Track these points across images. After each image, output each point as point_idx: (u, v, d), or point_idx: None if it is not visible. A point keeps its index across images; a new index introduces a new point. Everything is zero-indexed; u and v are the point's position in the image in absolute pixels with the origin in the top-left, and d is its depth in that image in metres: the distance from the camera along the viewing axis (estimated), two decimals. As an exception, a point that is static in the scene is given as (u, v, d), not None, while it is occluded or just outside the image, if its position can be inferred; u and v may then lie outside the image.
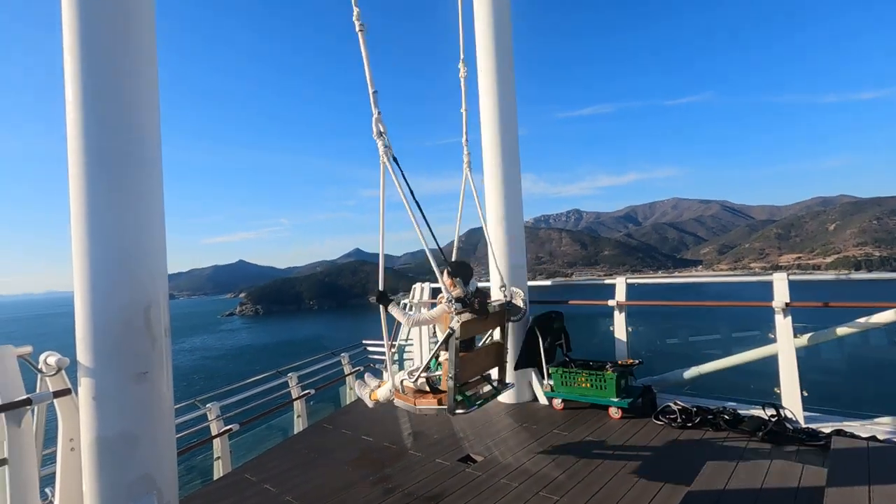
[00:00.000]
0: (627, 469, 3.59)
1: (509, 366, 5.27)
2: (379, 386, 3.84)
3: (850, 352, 4.58)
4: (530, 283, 5.77)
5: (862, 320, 4.13)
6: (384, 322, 3.32)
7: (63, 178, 2.61)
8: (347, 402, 6.39)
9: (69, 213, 2.59)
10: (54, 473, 2.88)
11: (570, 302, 5.87)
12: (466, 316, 3.09)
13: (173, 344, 2.85)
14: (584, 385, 4.85)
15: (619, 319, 5.35)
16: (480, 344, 3.75)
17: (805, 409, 4.17)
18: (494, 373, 3.79)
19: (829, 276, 5.08)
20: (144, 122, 2.69)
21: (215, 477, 4.53)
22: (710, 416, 4.29)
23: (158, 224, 2.73)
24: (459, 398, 3.19)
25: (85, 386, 2.56)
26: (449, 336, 3.07)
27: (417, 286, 7.19)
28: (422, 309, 4.57)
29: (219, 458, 4.72)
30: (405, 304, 4.78)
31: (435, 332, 4.64)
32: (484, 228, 4.74)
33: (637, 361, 5.02)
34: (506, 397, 5.39)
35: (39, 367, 2.83)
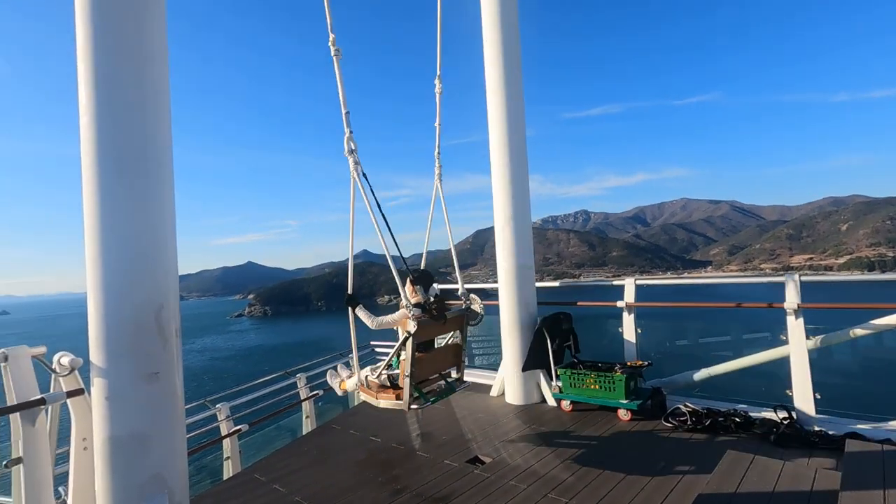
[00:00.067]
0: (637, 472, 3.56)
1: (517, 367, 5.28)
2: (349, 377, 4.14)
3: (863, 354, 4.52)
4: (538, 284, 5.75)
5: (876, 322, 4.07)
6: (352, 322, 3.68)
7: (77, 180, 2.66)
8: (355, 403, 6.41)
9: (82, 214, 2.63)
10: (67, 472, 2.92)
11: (579, 303, 5.84)
12: (424, 320, 3.42)
13: (183, 345, 2.88)
14: (592, 387, 4.83)
15: (628, 321, 5.31)
16: (444, 343, 4.07)
17: (818, 412, 4.12)
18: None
19: (841, 277, 5.01)
20: (156, 124, 2.72)
21: (225, 477, 4.56)
22: (720, 419, 4.25)
23: (170, 225, 2.76)
24: (416, 395, 3.53)
25: (98, 386, 2.59)
26: (407, 338, 3.38)
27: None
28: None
29: (228, 458, 4.75)
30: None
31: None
32: (448, 234, 4.72)
33: (646, 363, 4.99)
34: (514, 399, 5.38)
35: (53, 367, 2.87)
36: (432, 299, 3.61)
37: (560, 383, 5.06)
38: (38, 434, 2.72)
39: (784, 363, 4.34)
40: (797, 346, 4.23)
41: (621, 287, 5.44)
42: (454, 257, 4.52)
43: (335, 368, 4.51)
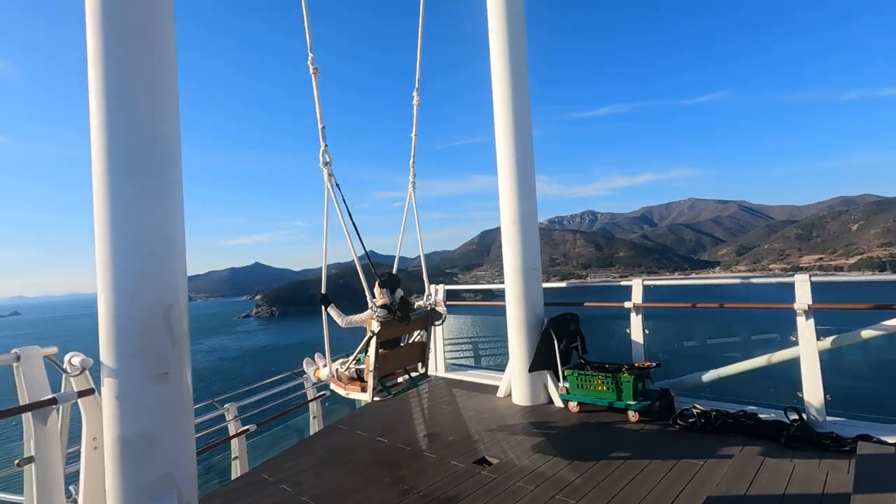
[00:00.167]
0: (645, 474, 3.54)
1: (524, 367, 5.26)
2: (324, 366, 4.41)
3: (874, 355, 4.47)
4: (545, 284, 5.74)
5: (887, 323, 4.02)
6: (325, 319, 4.00)
7: (87, 181, 2.68)
8: (362, 404, 6.42)
9: (93, 216, 2.66)
10: (78, 471, 2.95)
11: (586, 304, 5.82)
12: (388, 320, 3.76)
13: (191, 345, 2.90)
14: (600, 388, 4.80)
15: (636, 321, 5.29)
16: (410, 340, 4.36)
17: (829, 414, 4.07)
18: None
19: (852, 277, 4.95)
20: (165, 126, 2.74)
21: (233, 477, 4.58)
22: (730, 420, 4.21)
23: (179, 226, 2.78)
24: (380, 388, 3.87)
25: (108, 386, 2.61)
26: (370, 337, 3.70)
27: (432, 287, 7.19)
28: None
29: (236, 458, 4.78)
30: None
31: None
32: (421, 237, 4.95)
33: (654, 364, 4.96)
34: (521, 400, 5.37)
35: (64, 367, 2.90)
36: (398, 301, 3.95)
37: (567, 384, 5.04)
38: (49, 433, 2.75)
39: (794, 364, 4.30)
40: (808, 348, 4.19)
41: (629, 288, 5.41)
42: (423, 263, 4.82)
43: (312, 357, 4.75)
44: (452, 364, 7.06)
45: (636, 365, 4.97)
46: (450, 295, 7.17)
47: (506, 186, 5.53)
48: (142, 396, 2.61)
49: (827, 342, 4.18)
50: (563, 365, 5.09)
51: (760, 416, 4.26)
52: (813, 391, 4.14)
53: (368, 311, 3.83)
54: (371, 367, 3.73)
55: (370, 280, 3.83)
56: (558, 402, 5.19)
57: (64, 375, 2.91)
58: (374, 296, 3.92)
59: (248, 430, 4.88)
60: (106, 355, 2.60)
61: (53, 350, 2.92)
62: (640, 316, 5.28)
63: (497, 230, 5.87)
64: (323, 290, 3.95)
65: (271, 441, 5.43)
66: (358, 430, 4.96)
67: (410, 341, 4.36)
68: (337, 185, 3.74)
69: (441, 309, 4.35)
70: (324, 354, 4.32)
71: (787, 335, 4.41)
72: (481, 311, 7.88)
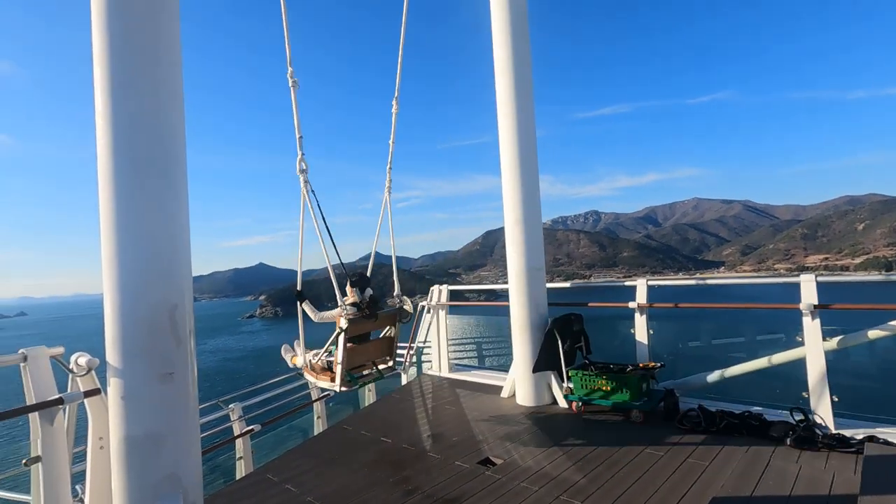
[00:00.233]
0: (649, 474, 3.53)
1: (528, 368, 5.26)
2: (302, 354, 4.68)
3: (881, 355, 4.43)
4: (549, 284, 5.73)
5: (894, 323, 3.99)
6: (300, 313, 4.28)
7: (92, 182, 2.70)
8: (366, 404, 6.43)
9: (98, 216, 2.67)
10: (84, 471, 2.96)
11: (590, 304, 5.81)
12: (356, 318, 4.06)
13: (196, 345, 2.91)
14: (604, 388, 4.79)
15: (640, 322, 5.27)
16: (382, 335, 4.65)
17: (835, 415, 4.05)
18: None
19: (858, 277, 4.92)
20: (170, 127, 2.76)
21: (238, 477, 4.60)
22: (735, 421, 4.19)
23: (184, 227, 2.79)
24: (348, 379, 4.13)
25: (113, 386, 2.62)
26: (339, 333, 3.99)
27: (435, 288, 7.21)
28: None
29: (241, 458, 4.79)
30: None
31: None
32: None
33: (659, 364, 4.94)
34: (525, 400, 5.36)
35: (71, 367, 2.92)
36: (367, 300, 4.20)
37: (571, 384, 5.03)
38: (56, 433, 2.76)
39: (800, 365, 4.27)
40: (813, 348, 4.16)
41: (633, 288, 5.40)
42: (394, 264, 5.03)
43: (291, 345, 4.99)
44: (456, 364, 7.06)
45: (640, 365, 4.95)
46: (453, 295, 7.18)
47: (509, 186, 5.53)
48: (147, 396, 2.62)
49: (833, 342, 4.15)
50: (567, 365, 5.08)
51: (766, 416, 4.24)
52: (819, 392, 4.11)
53: (338, 309, 4.05)
54: (339, 360, 4.02)
55: (341, 281, 4.14)
56: (562, 403, 5.18)
57: (70, 375, 2.93)
58: (344, 294, 4.18)
59: (252, 430, 4.89)
60: (112, 355, 2.62)
61: (60, 350, 2.93)
62: (644, 316, 5.27)
63: (501, 230, 5.87)
64: (298, 288, 4.26)
65: (276, 441, 5.44)
66: (362, 431, 4.97)
67: (381, 336, 4.63)
68: (312, 191, 3.99)
69: (408, 307, 4.57)
70: (300, 347, 4.61)
71: (792, 335, 4.39)
72: (485, 312, 7.88)
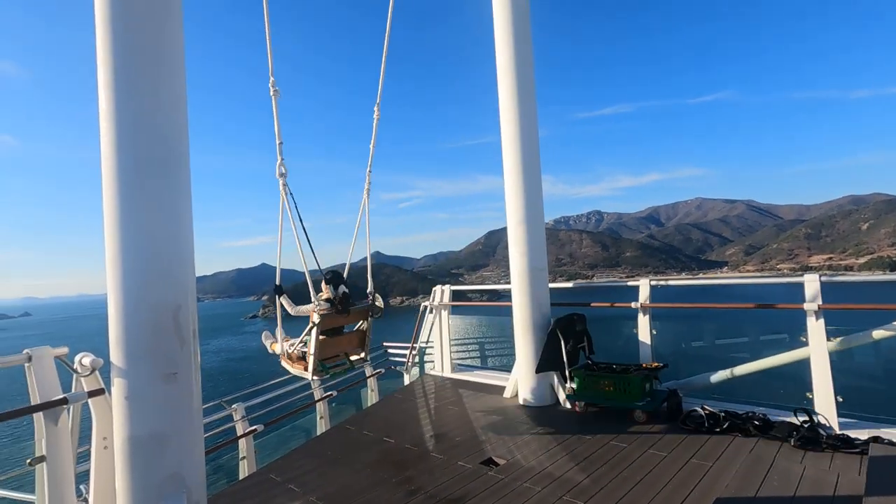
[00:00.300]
0: (653, 475, 3.52)
1: (530, 368, 5.25)
2: (281, 341, 4.86)
3: (886, 356, 4.41)
4: (551, 285, 5.72)
5: (899, 323, 3.98)
6: (279, 308, 4.48)
7: (96, 182, 2.71)
8: (369, 404, 6.44)
9: (102, 216, 2.68)
10: (89, 471, 2.97)
11: (593, 304, 5.80)
12: (328, 313, 4.31)
13: (199, 346, 2.92)
14: (607, 388, 4.78)
15: (643, 322, 5.26)
16: (355, 329, 4.88)
17: (840, 415, 4.03)
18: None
19: (862, 277, 4.90)
20: (174, 127, 2.76)
21: (241, 477, 4.61)
22: (738, 422, 4.18)
23: (187, 227, 2.80)
24: (320, 368, 4.38)
25: (117, 386, 2.63)
26: (312, 327, 4.25)
27: (438, 288, 7.21)
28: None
29: (244, 457, 4.81)
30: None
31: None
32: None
33: (662, 364, 4.93)
34: (528, 400, 5.36)
35: (75, 367, 2.93)
36: (340, 296, 4.44)
37: (574, 385, 5.02)
38: (60, 433, 2.77)
39: (804, 365, 4.26)
40: (818, 348, 4.15)
41: (636, 288, 5.39)
42: (369, 263, 5.13)
43: (270, 332, 5.19)
44: (459, 365, 7.06)
45: (644, 365, 4.94)
46: (456, 295, 7.18)
47: (512, 187, 5.53)
48: (151, 396, 2.63)
49: (837, 342, 4.14)
50: (569, 365, 5.07)
51: (770, 417, 4.22)
52: (823, 392, 4.09)
53: (312, 304, 4.31)
54: (312, 351, 4.27)
55: (316, 280, 4.40)
56: (565, 403, 5.18)
57: (75, 376, 2.93)
58: (318, 291, 4.43)
59: (255, 430, 4.90)
60: (116, 356, 2.63)
61: (64, 350, 2.94)
62: (647, 316, 5.26)
63: (503, 230, 5.87)
64: (277, 282, 4.51)
65: (279, 441, 5.46)
66: (365, 431, 4.97)
67: (354, 329, 4.86)
68: (291, 194, 4.23)
69: (379, 303, 4.82)
70: (282, 333, 4.82)
71: (796, 335, 4.37)
72: (487, 312, 7.89)
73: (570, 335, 5.20)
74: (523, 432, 4.61)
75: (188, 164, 2.84)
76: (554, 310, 5.58)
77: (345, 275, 4.70)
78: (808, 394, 4.20)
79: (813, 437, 3.77)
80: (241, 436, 4.80)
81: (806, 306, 4.20)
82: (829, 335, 4.14)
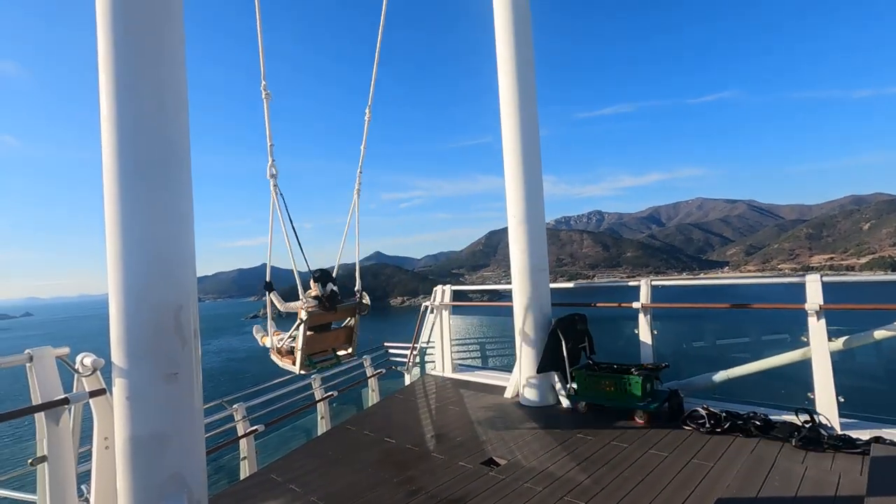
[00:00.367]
0: (654, 475, 3.52)
1: (531, 368, 5.25)
2: (272, 335, 5.03)
3: (888, 356, 4.40)
4: (552, 285, 5.72)
5: (901, 323, 3.97)
6: (269, 303, 4.68)
7: (96, 183, 2.71)
8: (370, 405, 6.44)
9: (103, 217, 2.68)
10: (90, 471, 2.98)
11: (594, 304, 5.80)
12: (316, 310, 4.45)
13: (201, 346, 2.92)
14: (608, 388, 4.78)
15: (644, 322, 5.26)
16: (343, 325, 5.01)
17: (841, 415, 4.02)
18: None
19: (863, 277, 4.89)
20: (174, 128, 2.76)
21: (242, 477, 4.61)
22: (739, 422, 4.17)
23: (188, 228, 2.80)
24: (307, 363, 4.51)
25: (119, 386, 2.63)
26: (300, 323, 4.38)
27: (439, 289, 7.22)
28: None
29: (245, 458, 4.81)
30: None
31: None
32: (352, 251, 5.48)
33: (663, 365, 4.92)
34: (529, 400, 5.36)
35: (76, 367, 2.93)
36: (328, 293, 4.58)
37: (575, 385, 5.02)
38: (61, 433, 2.77)
39: (805, 365, 4.25)
40: (819, 348, 4.14)
41: (637, 288, 5.38)
42: (357, 263, 5.23)
43: (261, 325, 5.32)
44: (460, 365, 7.06)
45: (645, 366, 4.93)
46: (457, 295, 7.18)
47: (513, 187, 5.53)
48: (152, 397, 2.63)
49: (839, 343, 4.13)
50: (570, 366, 5.07)
51: (771, 417, 4.22)
52: (825, 392, 4.09)
53: (301, 301, 4.47)
54: (299, 346, 4.42)
55: (304, 277, 4.54)
56: (566, 403, 5.17)
57: (76, 376, 2.94)
58: (307, 289, 4.58)
59: (256, 430, 4.90)
60: (117, 356, 2.63)
61: (65, 350, 2.95)
62: (648, 316, 5.25)
63: (504, 230, 5.87)
64: (267, 279, 4.67)
65: (280, 441, 5.46)
66: (366, 431, 4.97)
67: (342, 326, 5.00)
68: (281, 194, 4.34)
69: (366, 301, 4.94)
70: (273, 328, 4.99)
71: (797, 336, 4.37)
72: (488, 312, 7.88)
73: (570, 335, 5.20)
74: (524, 432, 4.61)
75: (189, 164, 2.84)
76: (555, 310, 5.58)
77: (334, 273, 4.81)
78: (809, 394, 4.19)
79: (814, 438, 3.76)
80: (242, 436, 4.80)
81: (807, 306, 4.19)
82: (831, 335, 4.13)
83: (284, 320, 4.74)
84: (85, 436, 3.03)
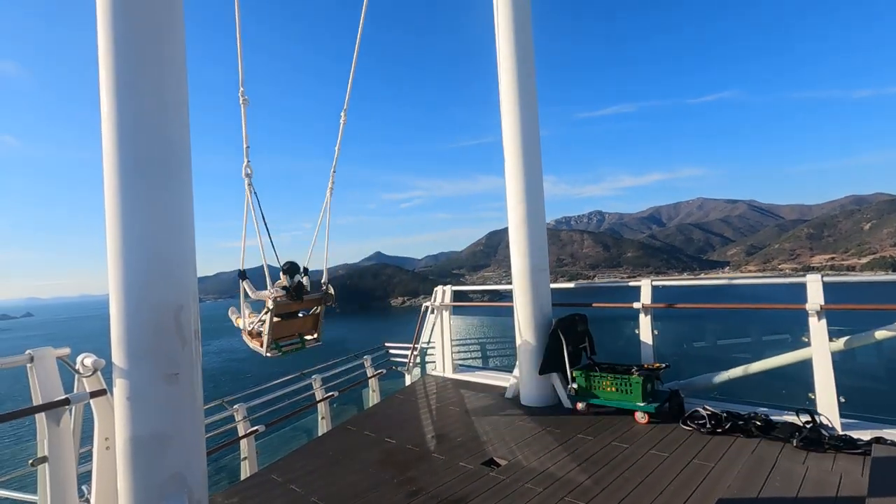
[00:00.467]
0: (655, 476, 3.52)
1: (532, 368, 5.25)
2: (247, 317, 5.21)
3: (889, 356, 4.40)
4: (553, 285, 5.72)
5: (902, 323, 3.96)
6: (241, 293, 4.85)
7: (97, 182, 2.71)
8: (370, 405, 6.44)
9: (104, 217, 2.68)
10: (90, 471, 2.98)
11: (594, 304, 5.79)
12: (283, 299, 4.68)
13: (202, 346, 2.92)
14: (609, 389, 4.78)
15: (645, 322, 5.25)
16: (311, 313, 5.22)
17: (842, 416, 4.02)
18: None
19: (864, 277, 4.89)
20: (175, 127, 2.76)
21: (242, 477, 4.61)
22: (740, 422, 4.17)
23: (188, 227, 2.80)
24: (273, 347, 4.74)
25: (119, 386, 2.64)
26: (267, 311, 4.61)
27: (439, 289, 7.22)
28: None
29: (245, 458, 4.81)
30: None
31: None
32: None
33: (664, 365, 4.92)
34: (529, 401, 5.35)
35: (77, 368, 2.93)
36: (295, 284, 4.81)
37: (576, 385, 5.02)
38: (62, 433, 2.77)
39: (806, 366, 4.25)
40: (820, 348, 4.14)
41: (637, 288, 5.38)
42: (325, 260, 5.31)
43: (235, 307, 5.48)
44: (460, 365, 7.06)
45: (645, 366, 4.93)
46: (457, 296, 7.18)
47: (513, 187, 5.52)
48: (153, 397, 2.63)
49: (840, 343, 4.13)
50: (571, 366, 5.07)
51: (772, 417, 4.21)
52: (826, 392, 4.08)
53: (269, 290, 4.69)
54: (266, 331, 4.67)
55: (273, 271, 4.78)
56: (567, 404, 5.17)
57: (76, 376, 2.94)
58: (277, 279, 4.79)
59: (257, 430, 4.90)
60: (117, 356, 2.63)
61: (66, 351, 2.95)
62: (649, 316, 5.25)
63: (504, 230, 5.87)
64: (241, 268, 4.87)
65: (280, 442, 5.46)
66: (366, 431, 4.97)
67: (310, 313, 5.22)
68: (255, 193, 4.54)
69: (332, 292, 5.19)
70: (249, 310, 5.20)
71: (798, 336, 4.36)
72: (489, 312, 7.88)
73: (571, 335, 5.20)
74: (525, 433, 4.60)
75: (189, 163, 2.84)
76: (555, 310, 5.57)
77: (301, 267, 5.08)
78: (810, 394, 4.19)
79: (815, 438, 3.76)
80: (243, 436, 4.80)
81: (808, 307, 4.19)
82: (832, 335, 4.13)
83: (260, 304, 4.87)
84: (85, 436, 3.03)
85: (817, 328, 4.17)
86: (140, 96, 2.67)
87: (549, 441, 4.35)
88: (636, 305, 5.28)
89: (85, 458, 3.13)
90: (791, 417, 4.16)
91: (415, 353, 7.12)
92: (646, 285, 5.34)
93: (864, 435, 3.77)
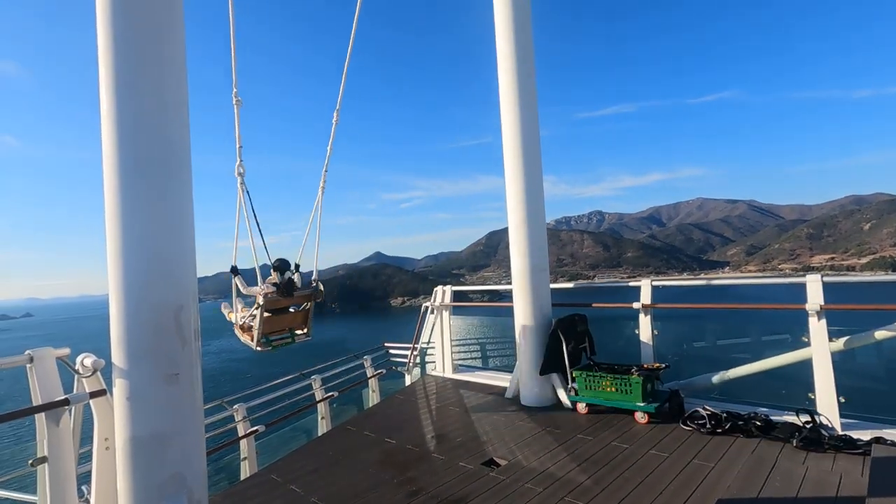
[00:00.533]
0: (655, 476, 3.52)
1: (532, 369, 5.25)
2: (238, 311, 5.31)
3: (889, 356, 4.40)
4: (552, 285, 5.72)
5: (902, 323, 3.96)
6: (234, 288, 4.94)
7: (97, 182, 2.71)
8: (370, 405, 6.44)
9: (103, 217, 2.68)
10: (90, 472, 2.98)
11: (594, 305, 5.80)
12: (272, 295, 4.77)
13: (201, 346, 2.91)
14: (608, 389, 4.78)
15: (645, 322, 5.25)
16: (301, 308, 5.28)
17: (842, 416, 4.02)
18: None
19: (864, 277, 4.88)
20: (175, 126, 2.76)
21: (242, 477, 4.61)
22: (740, 422, 4.17)
23: (188, 227, 2.80)
24: (263, 341, 4.85)
25: (119, 387, 2.63)
26: (258, 307, 4.71)
27: (439, 289, 7.21)
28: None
29: (245, 458, 4.81)
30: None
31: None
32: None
33: (663, 365, 4.92)
34: (529, 401, 5.35)
35: (76, 368, 2.93)
36: (285, 281, 4.89)
37: (576, 385, 5.02)
38: (62, 434, 2.77)
39: (806, 366, 4.25)
40: (820, 348, 4.14)
41: (637, 288, 5.38)
42: (316, 256, 5.35)
43: (227, 301, 5.58)
44: (460, 365, 7.05)
45: (645, 366, 4.93)
46: (457, 296, 7.18)
47: (513, 187, 5.52)
48: (153, 397, 2.63)
49: (840, 343, 4.13)
50: (571, 366, 5.07)
51: (772, 417, 4.21)
52: (826, 393, 4.08)
53: (260, 286, 4.78)
54: (256, 327, 4.79)
55: (262, 271, 4.85)
56: (567, 404, 5.17)
57: (76, 376, 2.94)
58: (269, 276, 4.87)
59: (257, 430, 4.90)
60: (117, 356, 2.63)
61: (66, 351, 2.95)
62: (648, 317, 5.25)
63: (504, 230, 5.87)
64: (233, 263, 5.01)
65: (280, 442, 5.46)
66: (366, 431, 4.97)
67: (300, 309, 5.28)
68: (247, 191, 4.63)
69: (321, 288, 5.29)
70: (241, 305, 5.29)
71: (798, 336, 4.36)
72: (489, 312, 7.88)
73: (571, 336, 5.20)
74: (524, 433, 4.60)
75: (189, 163, 2.84)
76: (555, 310, 5.58)
77: (292, 264, 5.16)
78: (810, 394, 4.19)
79: (815, 438, 3.76)
80: (243, 436, 4.80)
81: (808, 307, 4.19)
82: (832, 336, 4.13)
83: (253, 299, 4.93)
84: (85, 436, 3.03)
85: (817, 328, 4.16)
86: (140, 96, 2.67)
87: (549, 441, 4.35)
88: (636, 305, 5.28)
89: (85, 458, 3.12)
90: (791, 417, 4.16)
91: (415, 353, 7.12)
92: (646, 285, 5.34)
93: (864, 435, 3.77)
